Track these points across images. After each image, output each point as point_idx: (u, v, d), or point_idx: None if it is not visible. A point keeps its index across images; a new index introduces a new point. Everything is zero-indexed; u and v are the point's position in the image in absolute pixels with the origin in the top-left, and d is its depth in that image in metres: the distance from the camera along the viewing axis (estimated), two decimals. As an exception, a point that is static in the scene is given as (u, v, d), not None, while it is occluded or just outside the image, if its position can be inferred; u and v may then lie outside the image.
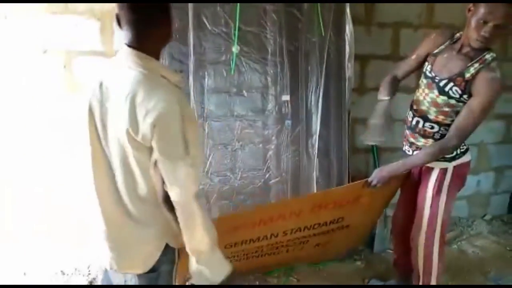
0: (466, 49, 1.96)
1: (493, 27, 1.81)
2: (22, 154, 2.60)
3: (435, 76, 2.04)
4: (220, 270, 1.49)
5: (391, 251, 2.99)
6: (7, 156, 2.60)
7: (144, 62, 1.31)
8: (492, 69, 1.89)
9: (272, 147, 2.69)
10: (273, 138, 2.68)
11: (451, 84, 1.95)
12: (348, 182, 2.82)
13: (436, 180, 2.14)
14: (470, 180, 3.69)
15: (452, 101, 1.97)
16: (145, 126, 1.26)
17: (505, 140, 3.79)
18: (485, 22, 1.81)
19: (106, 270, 1.60)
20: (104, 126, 1.36)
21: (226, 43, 2.49)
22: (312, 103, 2.69)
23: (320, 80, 2.66)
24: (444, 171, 2.12)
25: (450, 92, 1.96)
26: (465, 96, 1.93)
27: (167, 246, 1.48)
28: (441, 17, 3.29)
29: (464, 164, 2.15)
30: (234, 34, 2.45)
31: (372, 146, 3.24)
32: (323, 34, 2.60)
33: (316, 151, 2.73)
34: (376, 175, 2.18)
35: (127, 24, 1.30)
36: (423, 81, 2.13)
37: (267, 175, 2.72)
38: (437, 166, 2.14)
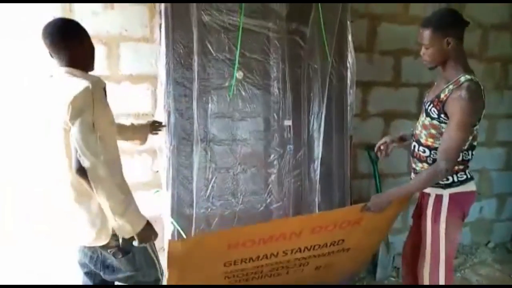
0: (445, 74, 2.07)
1: (424, 47, 2.03)
2: (23, 154, 2.60)
3: (425, 101, 2.19)
4: (137, 222, 1.79)
5: (393, 279, 2.96)
6: (7, 156, 2.61)
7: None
8: (461, 89, 1.93)
9: (274, 171, 2.70)
10: (275, 162, 2.70)
11: (431, 105, 2.07)
12: None
13: (432, 208, 2.14)
14: (473, 206, 3.70)
15: (435, 122, 2.05)
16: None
17: (507, 167, 3.82)
18: (420, 44, 2.06)
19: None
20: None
21: (230, 69, 2.55)
22: (314, 128, 2.72)
23: (322, 106, 2.69)
24: (439, 198, 2.11)
25: (431, 113, 2.07)
26: (442, 116, 2.00)
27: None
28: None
29: (463, 194, 2.11)
30: (234, 58, 2.50)
31: (374, 171, 3.25)
32: (328, 59, 2.65)
33: (318, 176, 2.74)
34: (373, 202, 2.16)
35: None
36: (422, 109, 2.23)
37: (268, 200, 2.72)
38: (432, 192, 2.15)
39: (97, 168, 1.63)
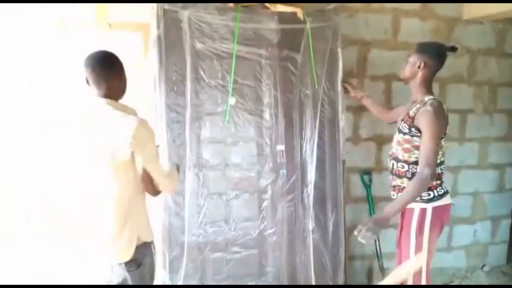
0: (412, 96, 2.40)
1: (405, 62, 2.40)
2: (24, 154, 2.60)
3: (398, 122, 2.43)
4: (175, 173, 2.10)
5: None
6: (8, 156, 2.61)
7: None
8: (426, 105, 2.24)
9: (267, 197, 2.71)
10: (268, 188, 2.70)
11: (402, 122, 2.36)
12: (344, 233, 2.82)
13: (417, 220, 2.30)
14: (467, 230, 3.77)
15: (406, 137, 2.31)
16: None
17: (500, 189, 3.84)
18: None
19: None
20: None
21: (223, 95, 2.59)
22: (307, 153, 2.74)
23: (314, 131, 2.73)
24: (424, 211, 2.29)
25: (402, 129, 2.34)
26: (413, 129, 2.27)
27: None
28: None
29: (443, 207, 2.32)
30: (228, 84, 2.55)
31: (367, 195, 3.24)
32: (316, 86, 2.71)
33: (312, 202, 2.74)
34: (374, 221, 2.18)
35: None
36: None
37: (262, 226, 2.70)
38: (416, 207, 2.31)
39: (171, 183, 1.98)
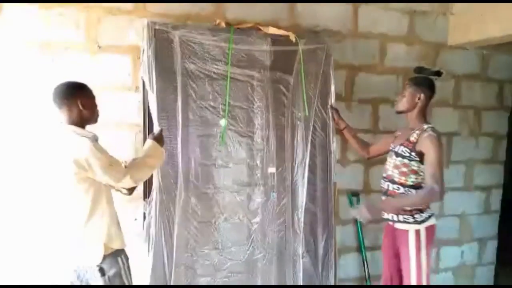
0: (411, 123, 2.50)
1: (401, 95, 2.52)
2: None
3: (393, 147, 2.55)
4: (154, 150, 2.17)
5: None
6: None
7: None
8: (428, 131, 2.38)
9: (257, 220, 2.63)
10: (258, 211, 2.63)
11: (402, 147, 2.45)
12: (334, 257, 2.75)
13: (415, 241, 2.41)
14: (455, 251, 3.75)
15: (405, 160, 2.42)
16: None
17: (486, 211, 3.82)
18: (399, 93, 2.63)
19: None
20: None
21: (214, 116, 2.52)
22: (298, 175, 2.68)
23: (306, 153, 2.67)
24: (418, 232, 2.42)
25: (401, 152, 2.44)
26: (413, 154, 2.38)
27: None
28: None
29: (432, 226, 2.47)
30: (223, 105, 2.52)
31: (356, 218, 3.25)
32: (307, 114, 2.67)
33: (302, 225, 2.67)
34: (367, 208, 2.31)
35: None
36: (388, 155, 2.60)
37: (251, 250, 2.62)
38: (411, 229, 2.43)
39: (132, 176, 2.03)
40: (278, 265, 2.67)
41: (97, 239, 2.03)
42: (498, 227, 3.90)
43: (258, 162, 2.62)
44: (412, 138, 2.41)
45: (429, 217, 2.44)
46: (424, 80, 2.50)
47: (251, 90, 2.60)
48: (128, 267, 2.15)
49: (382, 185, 2.57)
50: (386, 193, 2.51)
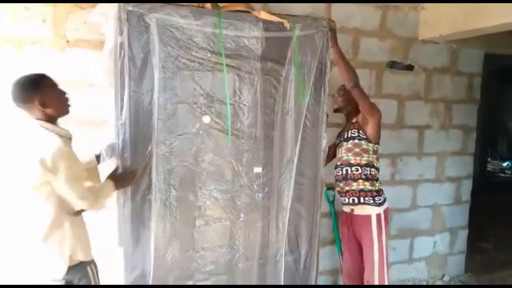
0: (349, 115, 2.68)
1: (337, 94, 2.72)
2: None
3: (341, 138, 2.65)
4: (109, 191, 1.96)
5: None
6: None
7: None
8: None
9: (241, 221, 2.38)
10: (241, 213, 2.37)
11: (350, 131, 2.58)
12: (317, 256, 2.61)
13: (376, 225, 2.51)
14: (427, 241, 3.74)
15: (356, 141, 2.53)
16: None
17: (456, 202, 3.78)
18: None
19: None
20: None
21: (196, 113, 2.17)
22: (286, 175, 2.40)
23: (295, 151, 2.37)
24: (379, 216, 2.52)
25: (351, 135, 2.56)
26: (360, 132, 2.53)
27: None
28: (388, 88, 3.44)
29: (387, 209, 2.61)
30: (208, 105, 2.22)
31: (331, 210, 3.26)
32: (301, 103, 2.36)
33: (286, 226, 2.44)
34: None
35: None
36: (338, 146, 2.68)
37: (233, 253, 2.39)
38: (372, 213, 2.52)
39: (89, 204, 1.83)
40: (260, 266, 2.46)
41: (60, 252, 1.80)
42: (469, 217, 3.86)
43: (243, 161, 2.30)
44: (354, 120, 2.58)
45: (385, 200, 2.58)
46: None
47: (238, 82, 2.23)
48: (98, 275, 1.95)
49: (337, 173, 2.61)
50: (346, 178, 2.55)
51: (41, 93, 1.77)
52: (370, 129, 2.51)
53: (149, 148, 2.11)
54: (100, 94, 2.35)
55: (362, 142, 2.53)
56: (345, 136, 2.60)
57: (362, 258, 2.59)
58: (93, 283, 1.90)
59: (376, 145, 2.58)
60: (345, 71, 2.42)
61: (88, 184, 1.97)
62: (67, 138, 1.84)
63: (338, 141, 2.67)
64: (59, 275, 1.80)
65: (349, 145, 2.56)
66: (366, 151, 2.53)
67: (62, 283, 1.80)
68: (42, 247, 1.80)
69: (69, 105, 1.88)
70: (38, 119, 1.79)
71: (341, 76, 2.46)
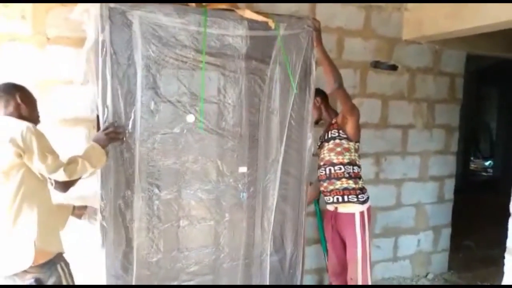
0: (327, 119, 2.72)
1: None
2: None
3: (322, 139, 2.69)
4: (99, 155, 1.94)
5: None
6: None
7: None
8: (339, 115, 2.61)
9: (225, 221, 2.36)
10: (226, 213, 2.36)
11: (330, 132, 2.62)
12: (303, 255, 2.60)
13: (360, 223, 2.55)
14: (411, 239, 3.77)
15: (337, 140, 2.57)
16: None
17: (440, 200, 3.82)
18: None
19: None
20: None
21: (179, 111, 2.15)
22: (271, 174, 2.39)
23: (280, 150, 2.37)
24: (362, 214, 2.56)
25: (331, 135, 2.60)
26: (341, 132, 2.56)
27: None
28: (372, 87, 3.45)
29: (370, 207, 2.65)
30: (192, 104, 2.19)
31: (316, 208, 3.26)
32: (295, 90, 2.34)
33: (272, 226, 2.43)
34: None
35: None
36: (320, 147, 2.71)
37: (218, 253, 2.37)
38: (356, 211, 2.55)
39: (66, 170, 1.80)
40: (245, 265, 2.44)
41: (27, 240, 1.77)
42: (452, 215, 3.91)
43: (228, 161, 2.28)
44: (333, 121, 2.62)
45: (368, 198, 2.62)
46: (316, 91, 2.58)
47: (223, 81, 2.21)
48: (70, 273, 1.92)
49: (321, 173, 2.64)
50: (329, 177, 2.58)
51: (23, 92, 1.88)
52: (350, 129, 2.54)
53: (132, 145, 2.08)
54: (80, 92, 2.31)
55: (343, 141, 2.57)
56: (326, 137, 2.64)
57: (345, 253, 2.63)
58: (63, 281, 1.88)
59: (357, 143, 2.62)
60: (330, 71, 2.41)
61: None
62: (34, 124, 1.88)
63: (320, 142, 2.71)
64: (24, 267, 1.77)
65: (331, 145, 2.59)
66: (348, 150, 2.57)
67: (31, 280, 1.78)
68: (10, 235, 1.78)
69: (39, 118, 1.97)
70: (10, 114, 1.84)
71: (325, 76, 2.44)
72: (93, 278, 2.18)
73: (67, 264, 1.92)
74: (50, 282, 1.82)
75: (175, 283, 2.28)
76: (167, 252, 2.25)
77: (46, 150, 1.76)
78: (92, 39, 1.94)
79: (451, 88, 3.78)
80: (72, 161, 1.83)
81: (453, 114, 3.83)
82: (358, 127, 2.57)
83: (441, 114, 3.75)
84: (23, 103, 1.86)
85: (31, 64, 2.36)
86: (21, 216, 1.77)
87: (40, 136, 1.77)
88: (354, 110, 2.53)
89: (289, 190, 2.49)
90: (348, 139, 2.57)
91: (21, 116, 1.84)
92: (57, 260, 1.86)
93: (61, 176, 1.80)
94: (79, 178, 1.93)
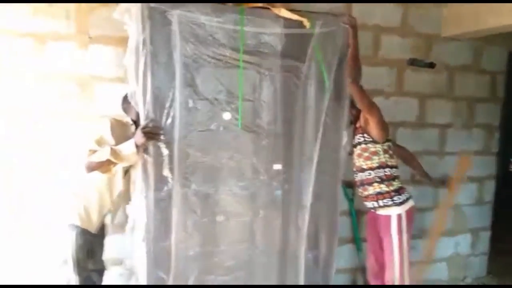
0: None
1: None
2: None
3: (352, 144, 2.62)
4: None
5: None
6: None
7: None
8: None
9: (260, 219, 2.36)
10: (261, 210, 2.35)
11: (356, 137, 2.58)
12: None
13: (397, 226, 2.49)
14: (449, 242, 3.67)
15: (363, 145, 2.52)
16: None
17: (479, 202, 3.70)
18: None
19: None
20: None
21: (216, 109, 2.17)
22: (306, 172, 2.37)
23: (315, 148, 2.35)
24: (399, 216, 2.50)
25: (357, 140, 2.55)
26: (365, 135, 2.50)
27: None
28: (409, 86, 3.39)
29: (411, 208, 2.56)
30: (228, 101, 2.21)
31: (350, 208, 3.24)
32: (327, 85, 2.33)
33: (306, 224, 2.41)
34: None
35: None
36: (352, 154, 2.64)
37: (252, 249, 2.38)
38: (393, 213, 2.49)
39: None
40: (279, 263, 2.45)
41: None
42: (492, 218, 3.76)
43: (263, 158, 2.29)
44: (358, 125, 2.58)
45: (407, 199, 2.53)
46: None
47: (258, 79, 2.22)
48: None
49: (355, 179, 2.63)
50: (362, 183, 2.56)
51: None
52: (372, 129, 2.45)
53: (170, 142, 2.12)
54: (121, 90, 2.38)
55: (369, 145, 2.51)
56: (354, 143, 2.61)
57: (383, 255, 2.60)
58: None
59: (386, 143, 2.52)
60: (350, 66, 2.34)
61: None
62: None
63: (350, 148, 2.65)
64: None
65: (358, 151, 2.56)
66: (375, 153, 2.50)
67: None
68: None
69: None
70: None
71: (346, 70, 2.38)
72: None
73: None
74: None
75: (210, 278, 2.32)
76: (204, 246, 2.29)
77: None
78: (134, 38, 2.00)
79: (492, 87, 3.66)
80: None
81: (494, 114, 3.71)
82: (382, 126, 2.46)
83: (481, 113, 3.64)
84: None
85: (74, 62, 2.46)
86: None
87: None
88: (372, 108, 2.42)
89: (323, 188, 2.47)
90: (374, 141, 2.49)
91: None
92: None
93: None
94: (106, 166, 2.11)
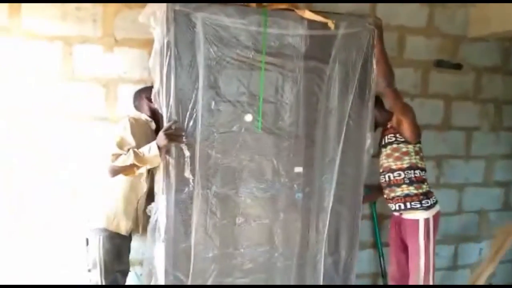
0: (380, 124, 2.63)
1: None
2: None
3: (381, 144, 2.64)
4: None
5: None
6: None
7: None
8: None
9: (280, 221, 2.36)
10: (281, 212, 2.35)
11: (387, 136, 2.58)
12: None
13: (424, 231, 2.48)
14: (473, 248, 3.60)
15: (394, 145, 2.52)
16: None
17: (505, 207, 3.60)
18: None
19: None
20: None
21: (238, 111, 2.18)
22: (327, 175, 2.35)
23: (337, 151, 2.33)
24: (427, 221, 2.49)
25: (388, 140, 2.56)
26: (398, 135, 2.50)
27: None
28: (434, 87, 3.31)
29: (438, 213, 2.56)
30: (250, 103, 2.23)
31: (372, 212, 3.19)
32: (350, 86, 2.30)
33: (327, 227, 2.40)
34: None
35: None
36: (380, 153, 2.66)
37: (272, 252, 2.38)
38: (421, 217, 2.49)
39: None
40: (299, 266, 2.43)
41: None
42: None
43: (284, 160, 2.28)
44: (389, 125, 2.57)
45: (435, 203, 2.52)
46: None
47: (281, 80, 2.21)
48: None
49: (382, 180, 2.61)
50: (389, 184, 2.54)
51: None
52: (406, 130, 2.47)
53: (192, 143, 2.15)
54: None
55: (401, 145, 2.50)
56: (383, 143, 2.59)
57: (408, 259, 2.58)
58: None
59: (418, 145, 2.52)
60: (382, 70, 2.34)
61: None
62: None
63: (378, 149, 2.65)
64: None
65: (388, 151, 2.54)
66: (407, 153, 2.49)
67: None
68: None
69: None
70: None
71: (378, 74, 2.36)
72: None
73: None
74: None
75: (229, 280, 2.33)
76: (223, 248, 2.30)
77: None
78: (158, 41, 2.03)
79: (521, 89, 3.53)
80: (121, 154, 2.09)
81: (523, 116, 3.59)
82: (415, 127, 2.48)
83: (509, 115, 3.53)
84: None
85: (100, 64, 2.50)
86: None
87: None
88: (406, 109, 2.45)
89: (345, 191, 2.45)
90: (406, 142, 2.49)
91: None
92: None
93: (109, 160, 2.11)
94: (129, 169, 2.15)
